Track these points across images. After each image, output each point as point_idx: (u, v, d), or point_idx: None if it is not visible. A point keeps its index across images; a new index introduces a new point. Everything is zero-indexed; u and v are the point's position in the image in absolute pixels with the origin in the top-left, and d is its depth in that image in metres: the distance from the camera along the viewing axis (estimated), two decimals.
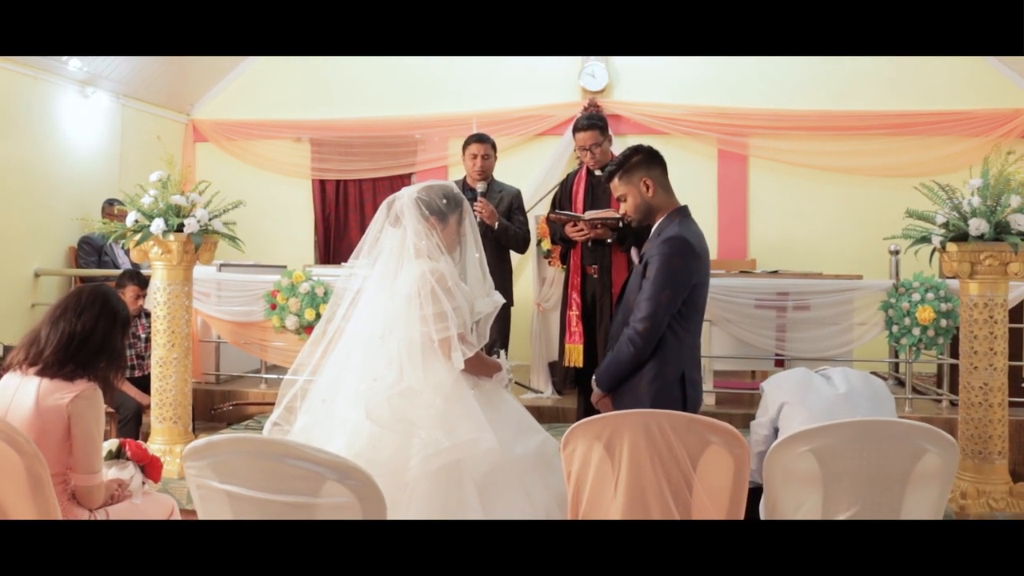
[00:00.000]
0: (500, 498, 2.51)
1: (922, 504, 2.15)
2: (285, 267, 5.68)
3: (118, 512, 2.46)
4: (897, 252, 5.13)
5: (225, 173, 6.81)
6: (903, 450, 2.10)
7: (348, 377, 2.64)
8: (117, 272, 6.10)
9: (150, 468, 2.72)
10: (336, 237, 7.66)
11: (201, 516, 1.99)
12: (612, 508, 2.23)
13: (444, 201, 2.70)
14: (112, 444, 2.67)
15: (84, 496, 2.36)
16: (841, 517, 2.14)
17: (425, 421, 2.45)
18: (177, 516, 2.69)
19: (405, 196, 2.71)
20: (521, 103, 7.07)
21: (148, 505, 2.60)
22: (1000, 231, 3.15)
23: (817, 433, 2.12)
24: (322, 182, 7.56)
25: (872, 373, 6.11)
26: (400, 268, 2.67)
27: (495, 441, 2.51)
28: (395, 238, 2.70)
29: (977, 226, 3.15)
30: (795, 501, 2.18)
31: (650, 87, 6.93)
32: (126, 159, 6.89)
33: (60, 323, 2.37)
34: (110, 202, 6.40)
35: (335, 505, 1.82)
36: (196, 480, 1.93)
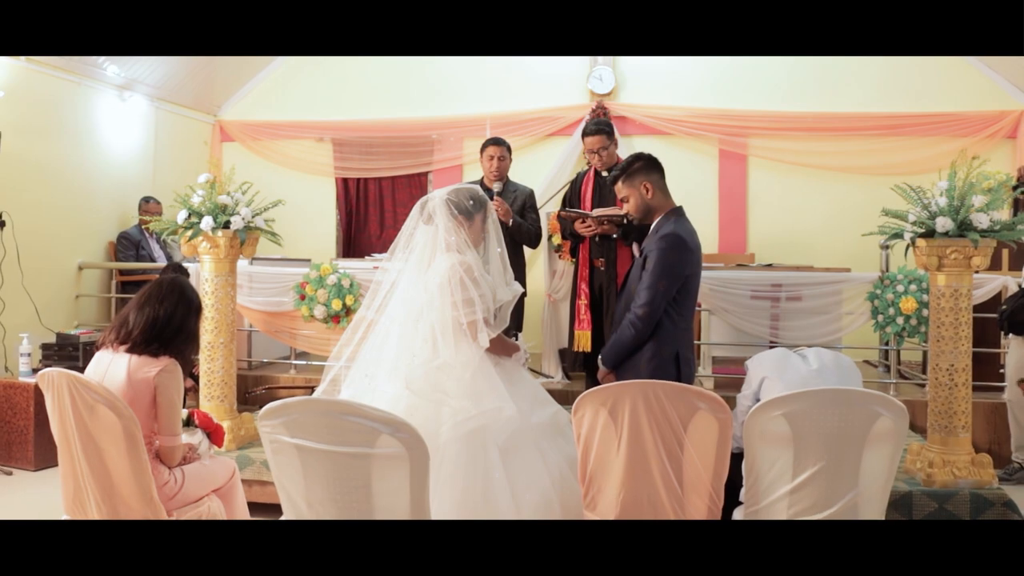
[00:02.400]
0: (519, 459, 2.91)
1: (877, 461, 2.53)
2: (309, 260, 6.07)
3: (190, 471, 2.87)
4: (887, 246, 5.50)
5: (250, 171, 7.20)
6: (861, 414, 2.48)
7: (387, 355, 3.03)
8: (153, 265, 6.55)
9: (215, 435, 3.13)
10: (356, 231, 8.07)
11: (273, 467, 2.39)
12: (615, 465, 2.62)
13: (471, 202, 3.09)
14: (183, 413, 3.07)
15: (166, 455, 2.77)
16: (808, 472, 2.52)
17: (455, 391, 2.85)
18: (237, 478, 3.09)
19: (436, 197, 3.10)
20: (532, 105, 7.44)
21: (214, 466, 3.01)
22: (964, 228, 3.52)
23: (788, 400, 2.51)
24: (344, 180, 7.96)
25: (865, 361, 6.54)
26: (432, 260, 3.06)
27: (515, 410, 2.90)
28: (428, 234, 3.09)
29: (943, 224, 3.52)
30: (770, 458, 2.57)
31: (655, 90, 7.30)
32: (159, 159, 7.32)
33: (145, 309, 2.78)
34: (146, 199, 6.83)
35: (388, 455, 2.21)
36: (270, 436, 2.33)
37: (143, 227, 6.71)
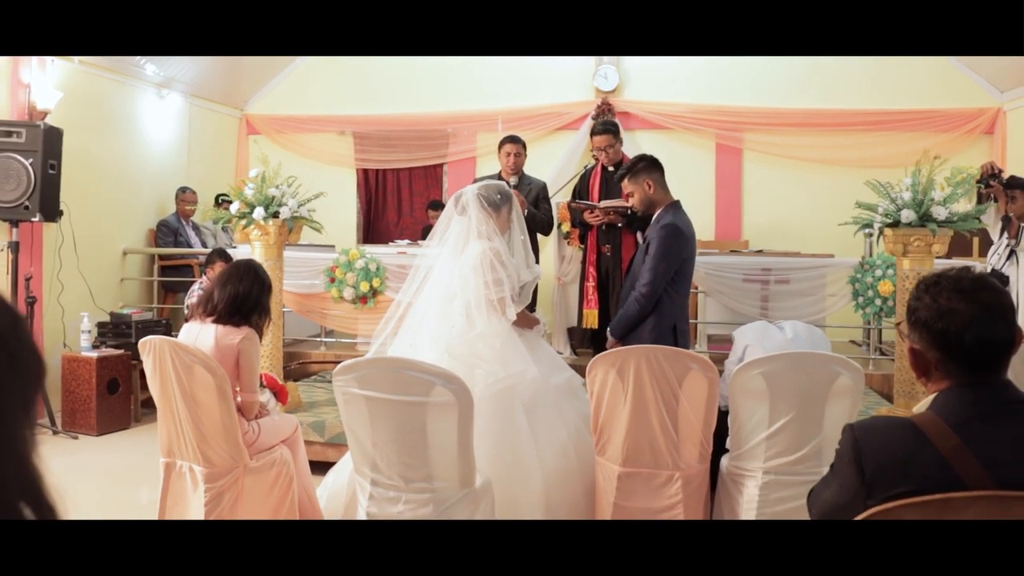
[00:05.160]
0: (541, 414, 3.45)
1: (839, 411, 3.06)
2: (334, 246, 6.54)
3: (264, 423, 3.40)
4: (871, 234, 6.01)
5: (275, 163, 7.66)
6: (824, 373, 3.01)
7: (427, 326, 3.56)
8: (190, 250, 7.08)
9: (280, 394, 3.67)
10: (376, 219, 8.59)
11: (344, 416, 2.91)
12: (622, 416, 3.15)
13: (498, 196, 3.61)
14: None
15: (246, 409, 3.30)
16: (782, 421, 3.05)
17: (487, 356, 3.38)
18: (300, 432, 3.62)
19: (469, 192, 3.62)
20: (541, 101, 7.89)
21: (281, 420, 3.54)
22: (925, 219, 4.04)
23: (765, 361, 3.04)
24: (364, 170, 8.45)
25: (851, 341, 7.04)
26: (465, 246, 3.58)
27: (537, 373, 3.44)
28: (461, 224, 3.61)
29: (907, 215, 4.04)
30: (750, 410, 3.10)
31: (656, 87, 7.78)
32: (192, 151, 7.84)
33: (227, 287, 3.30)
34: (183, 189, 7.34)
35: (441, 403, 2.75)
36: (343, 389, 2.85)
37: (180, 215, 7.24)
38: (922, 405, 1.54)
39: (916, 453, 1.42)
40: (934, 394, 1.50)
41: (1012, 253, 4.58)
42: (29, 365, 0.66)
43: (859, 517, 1.42)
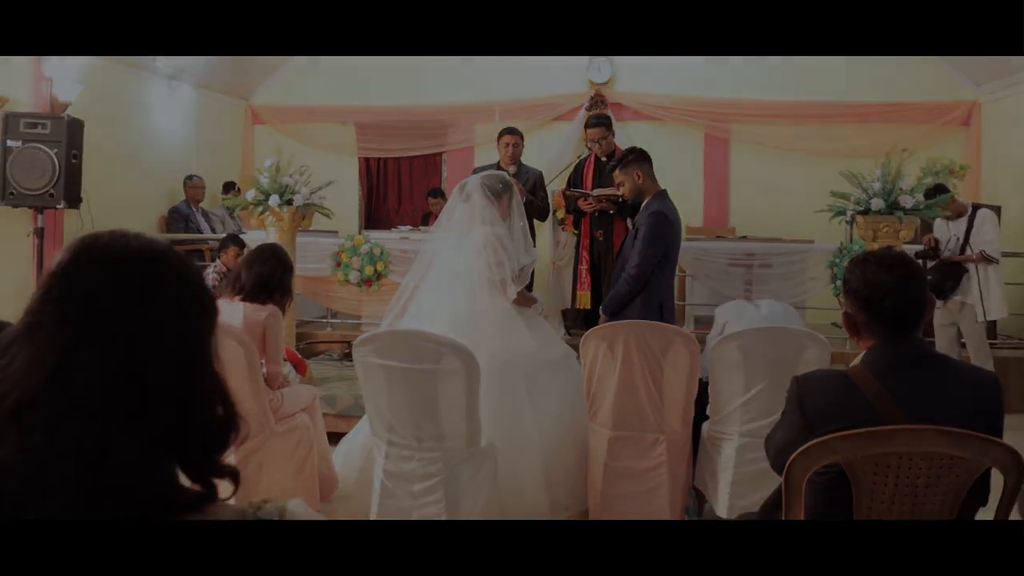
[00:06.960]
0: (538, 386, 3.78)
1: None
2: (336, 232, 6.82)
3: (287, 392, 3.72)
4: (852, 221, 6.34)
5: (281, 152, 7.95)
6: (793, 346, 3.35)
7: (435, 304, 3.88)
8: (201, 236, 7.37)
9: (299, 367, 4.00)
10: (376, 205, 8.89)
11: (363, 384, 3.24)
12: (611, 384, 3.48)
13: (500, 185, 3.93)
14: None
15: (271, 379, 3.62)
16: (755, 389, 3.38)
17: (489, 332, 3.71)
18: (317, 400, 3.95)
19: (473, 181, 3.94)
20: (537, 93, 8.16)
21: (301, 390, 3.87)
22: (892, 207, 4.38)
23: (741, 335, 3.37)
24: (365, 159, 8.74)
25: (833, 324, 7.38)
26: (470, 231, 3.90)
27: (536, 347, 3.78)
28: (466, 211, 3.93)
29: (876, 204, 4.38)
30: (726, 378, 3.44)
31: (647, 80, 8.06)
32: (201, 140, 8.12)
33: (253, 268, 3.61)
34: (190, 177, 7.63)
35: (450, 370, 3.07)
36: (362, 359, 3.18)
37: (190, 202, 7.54)
38: (856, 360, 1.88)
39: (847, 397, 1.76)
40: (864, 351, 1.84)
41: (964, 247, 4.99)
42: (212, 308, 0.98)
43: (801, 449, 1.76)
